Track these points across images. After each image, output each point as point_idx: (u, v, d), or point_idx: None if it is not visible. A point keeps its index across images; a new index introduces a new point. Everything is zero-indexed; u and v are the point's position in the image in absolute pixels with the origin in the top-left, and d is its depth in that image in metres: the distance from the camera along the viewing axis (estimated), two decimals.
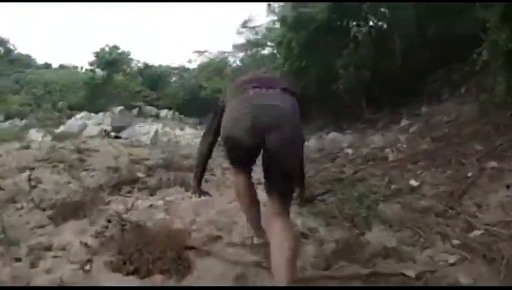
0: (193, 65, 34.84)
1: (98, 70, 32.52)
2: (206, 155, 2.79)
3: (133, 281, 2.48)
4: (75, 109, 24.86)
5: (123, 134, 17.67)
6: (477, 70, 6.85)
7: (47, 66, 40.70)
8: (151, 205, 4.23)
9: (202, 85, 30.51)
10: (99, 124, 19.66)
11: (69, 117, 21.56)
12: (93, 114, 21.87)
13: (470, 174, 4.50)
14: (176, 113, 31.69)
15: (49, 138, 12.41)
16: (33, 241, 3.35)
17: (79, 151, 8.93)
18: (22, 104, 23.15)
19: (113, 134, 16.65)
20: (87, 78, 31.79)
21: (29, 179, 5.83)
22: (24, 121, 18.93)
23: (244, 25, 21.51)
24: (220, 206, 3.98)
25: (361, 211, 3.78)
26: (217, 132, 2.56)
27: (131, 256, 2.59)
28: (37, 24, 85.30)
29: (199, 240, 3.02)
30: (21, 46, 59.59)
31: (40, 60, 42.70)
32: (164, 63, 40.56)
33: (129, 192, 5.23)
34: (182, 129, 22.77)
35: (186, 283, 2.51)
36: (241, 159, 2.48)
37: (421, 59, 10.89)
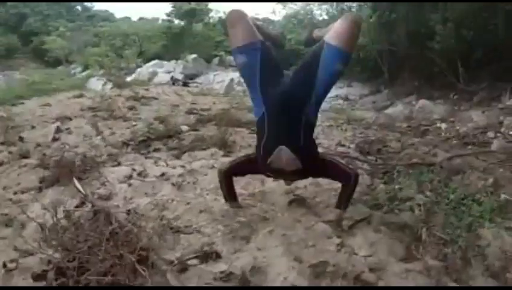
0: (278, 17, 33.82)
1: (176, 20, 32.32)
2: None
3: None
4: (154, 58, 25.05)
5: (195, 81, 17.72)
6: None
7: (127, 19, 41.57)
8: (162, 174, 3.51)
9: (286, 36, 29.41)
10: (169, 72, 19.48)
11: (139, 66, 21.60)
12: (165, 62, 21.70)
13: None
14: None
15: (109, 86, 12.15)
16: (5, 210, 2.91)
17: (135, 99, 8.86)
18: (101, 55, 23.72)
19: (180, 81, 16.52)
20: (164, 28, 31.75)
21: (57, 131, 5.55)
22: (99, 71, 19.27)
23: None
24: None
25: (458, 233, 2.54)
26: None
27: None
28: None
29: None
30: (99, 4, 61.49)
31: (119, 15, 44.12)
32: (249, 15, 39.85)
33: (156, 150, 4.65)
34: None
35: None
36: None
37: None
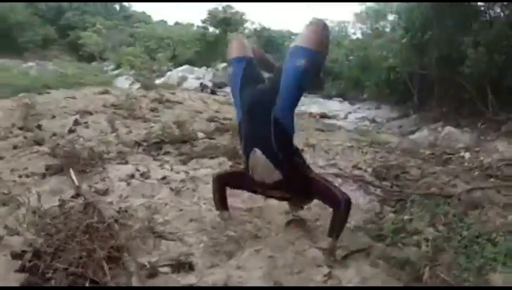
0: None
1: (210, 28, 32.90)
2: None
3: None
4: (187, 63, 25.48)
5: (224, 90, 17.55)
6: None
7: (162, 23, 42.44)
8: (163, 178, 3.49)
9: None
10: (199, 78, 19.81)
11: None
12: (195, 68, 22.05)
13: None
14: None
15: (136, 86, 12.32)
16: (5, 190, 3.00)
17: (159, 101, 8.86)
18: (134, 55, 24.30)
19: (209, 89, 16.66)
20: (199, 35, 32.33)
21: (75, 124, 5.64)
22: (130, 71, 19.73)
23: None
24: None
25: (465, 276, 2.35)
26: None
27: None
28: None
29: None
30: (136, 4, 63.21)
31: (156, 18, 45.07)
32: (285, 29, 40.49)
33: (166, 153, 4.65)
34: None
35: None
36: None
37: None
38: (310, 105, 17.83)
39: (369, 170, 4.84)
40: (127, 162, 3.92)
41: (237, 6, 34.62)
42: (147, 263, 1.92)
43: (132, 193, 2.99)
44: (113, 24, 32.91)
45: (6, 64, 16.87)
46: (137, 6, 44.32)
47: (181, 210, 2.69)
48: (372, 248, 2.53)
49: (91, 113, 6.63)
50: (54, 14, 35.04)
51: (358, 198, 3.47)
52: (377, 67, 15.39)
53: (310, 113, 14.99)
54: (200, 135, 5.72)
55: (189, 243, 2.25)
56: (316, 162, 4.81)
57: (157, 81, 17.60)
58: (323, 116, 14.51)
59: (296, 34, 31.96)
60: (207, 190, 3.13)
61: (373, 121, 14.53)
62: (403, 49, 11.65)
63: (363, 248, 2.50)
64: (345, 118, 16.31)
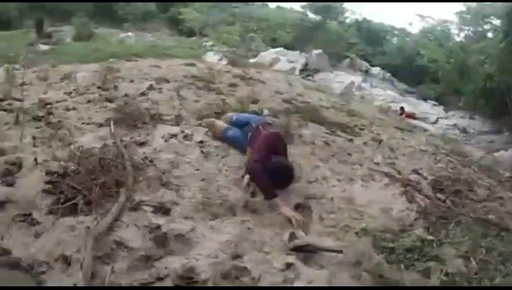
0: (415, 29, 32.84)
1: (310, 14, 32.87)
2: None
3: None
4: (284, 47, 25.90)
5: (315, 77, 18.16)
6: None
7: (264, 5, 42.73)
8: (201, 141, 3.80)
9: (420, 52, 28.41)
10: (291, 61, 20.24)
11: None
12: (289, 51, 22.42)
13: None
14: (388, 74, 29.92)
15: (224, 61, 12.87)
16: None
17: (242, 78, 9.03)
18: (232, 33, 25.17)
19: (307, 72, 16.80)
20: (298, 20, 32.61)
21: (149, 88, 6.09)
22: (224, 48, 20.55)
23: None
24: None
25: None
26: None
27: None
28: None
29: None
30: None
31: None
32: (387, 22, 39.48)
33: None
34: (384, 89, 22.28)
35: None
36: None
37: None
38: (400, 103, 17.34)
39: (430, 178, 4.53)
40: (178, 124, 4.26)
41: None
42: (135, 199, 2.24)
43: (166, 149, 3.33)
44: (214, 3, 34.24)
45: (104, 33, 18.51)
46: None
47: (197, 170, 2.97)
48: (368, 257, 2.30)
49: (168, 81, 7.03)
50: None
51: (393, 203, 3.37)
52: (474, 73, 14.50)
53: (401, 109, 14.57)
54: (266, 112, 5.71)
55: (183, 195, 2.51)
56: (371, 157, 4.78)
57: (252, 60, 18.29)
58: (411, 116, 14.13)
59: (398, 29, 31.05)
60: (233, 160, 3.44)
61: (464, 130, 13.78)
62: (502, 56, 10.74)
63: (336, 249, 2.37)
64: (435, 122, 15.68)
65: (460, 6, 20.41)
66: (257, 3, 42.64)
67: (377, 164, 4.63)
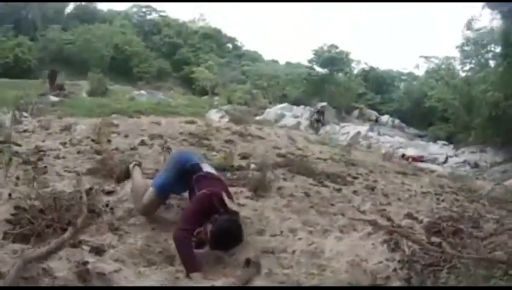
0: (421, 72, 33.83)
1: (317, 67, 33.95)
2: None
3: None
4: (294, 102, 26.50)
5: (321, 130, 18.46)
6: None
7: (274, 62, 44.85)
8: None
9: (427, 93, 28.78)
10: (296, 116, 20.70)
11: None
12: (294, 107, 22.95)
13: None
14: (397, 121, 30.57)
15: (225, 119, 13.23)
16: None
17: (240, 135, 9.26)
18: (245, 92, 25.95)
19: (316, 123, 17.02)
20: (305, 74, 33.56)
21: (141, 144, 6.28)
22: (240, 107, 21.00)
23: (468, 26, 18.64)
24: None
25: None
26: None
27: None
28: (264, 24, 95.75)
29: None
30: (248, 44, 68.20)
31: (267, 57, 47.26)
32: (394, 68, 40.44)
33: None
34: (391, 136, 22.20)
35: None
36: None
37: None
38: (407, 148, 17.32)
39: (426, 220, 4.17)
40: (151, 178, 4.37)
41: (342, 46, 34.86)
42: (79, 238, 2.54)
43: (130, 199, 3.43)
44: (225, 62, 35.61)
45: (118, 89, 19.25)
46: (249, 46, 47.44)
47: None
48: None
49: (162, 137, 7.12)
50: (168, 49, 39.10)
51: (370, 254, 3.10)
52: (480, 105, 14.43)
53: (403, 155, 14.56)
54: (252, 166, 5.79)
55: (125, 241, 2.76)
56: (358, 205, 4.62)
57: (258, 118, 18.68)
58: (418, 159, 14.10)
59: (406, 74, 31.72)
60: None
61: (475, 165, 13.47)
62: (502, 80, 10.69)
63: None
64: (445, 162, 15.49)
65: (460, 39, 20.62)
66: (267, 60, 44.12)
67: (363, 212, 4.43)
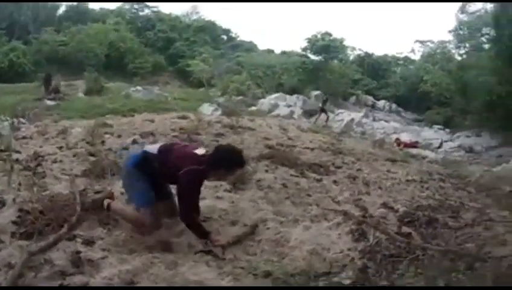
0: (417, 56, 34.09)
1: (311, 55, 34.24)
2: None
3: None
4: (291, 91, 26.77)
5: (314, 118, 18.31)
6: None
7: (269, 51, 44.65)
8: None
9: (423, 78, 29.12)
10: (289, 106, 20.96)
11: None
12: (287, 96, 23.17)
13: None
14: (394, 105, 31.24)
15: (218, 112, 13.52)
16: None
17: (231, 127, 9.52)
18: (241, 82, 26.24)
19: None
20: (299, 63, 33.96)
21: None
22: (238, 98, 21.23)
23: (462, 10, 18.83)
24: None
25: None
26: None
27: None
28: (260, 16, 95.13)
29: None
30: (244, 34, 68.81)
31: (262, 47, 47.11)
32: (390, 53, 40.33)
33: None
34: (386, 121, 22.51)
35: None
36: None
37: None
38: (401, 133, 17.42)
39: (402, 210, 4.17)
40: None
41: (336, 33, 35.11)
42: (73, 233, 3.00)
43: (119, 197, 3.83)
44: (220, 53, 35.73)
45: (114, 87, 19.48)
46: (244, 37, 47.30)
47: None
48: None
49: (154, 135, 7.54)
50: (163, 44, 39.29)
51: (334, 243, 3.20)
52: (475, 89, 14.61)
53: (396, 139, 14.77)
54: None
55: (112, 234, 3.16)
56: (336, 195, 4.79)
57: (253, 108, 18.94)
58: (411, 145, 14.20)
59: (402, 59, 31.68)
60: None
61: (470, 150, 13.43)
62: (495, 64, 11.04)
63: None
64: (439, 147, 15.47)
65: (453, 23, 20.73)
66: (262, 49, 44.04)
67: (338, 202, 4.51)
